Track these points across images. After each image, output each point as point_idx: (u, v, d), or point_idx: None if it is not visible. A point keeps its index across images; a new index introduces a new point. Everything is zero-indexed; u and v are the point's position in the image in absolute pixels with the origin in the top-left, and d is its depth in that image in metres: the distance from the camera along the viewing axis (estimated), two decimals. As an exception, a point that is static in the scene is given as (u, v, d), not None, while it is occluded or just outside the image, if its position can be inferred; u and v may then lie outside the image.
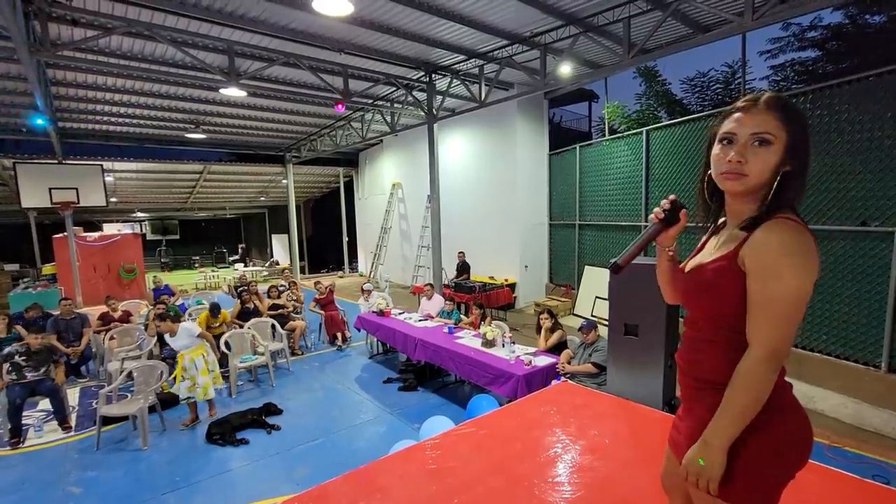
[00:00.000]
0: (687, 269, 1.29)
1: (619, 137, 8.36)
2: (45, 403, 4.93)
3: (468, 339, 5.29)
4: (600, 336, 4.46)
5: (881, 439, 4.15)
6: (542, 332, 5.06)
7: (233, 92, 7.93)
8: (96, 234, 12.81)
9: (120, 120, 10.24)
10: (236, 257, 25.72)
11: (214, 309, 6.47)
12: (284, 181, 15.36)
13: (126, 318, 6.97)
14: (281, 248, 21.74)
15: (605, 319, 4.07)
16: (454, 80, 8.30)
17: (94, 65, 6.87)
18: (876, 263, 4.79)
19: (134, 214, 21.61)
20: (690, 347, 1.27)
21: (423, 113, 8.78)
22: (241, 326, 6.37)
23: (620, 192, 8.19)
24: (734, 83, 8.67)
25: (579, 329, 4.56)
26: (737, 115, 1.13)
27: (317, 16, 5.61)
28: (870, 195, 4.84)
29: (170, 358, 5.65)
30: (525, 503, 2.18)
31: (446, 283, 9.56)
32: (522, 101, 9.03)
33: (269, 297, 7.45)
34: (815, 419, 1.18)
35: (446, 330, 5.73)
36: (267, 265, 20.00)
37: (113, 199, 15.32)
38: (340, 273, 17.30)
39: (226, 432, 4.37)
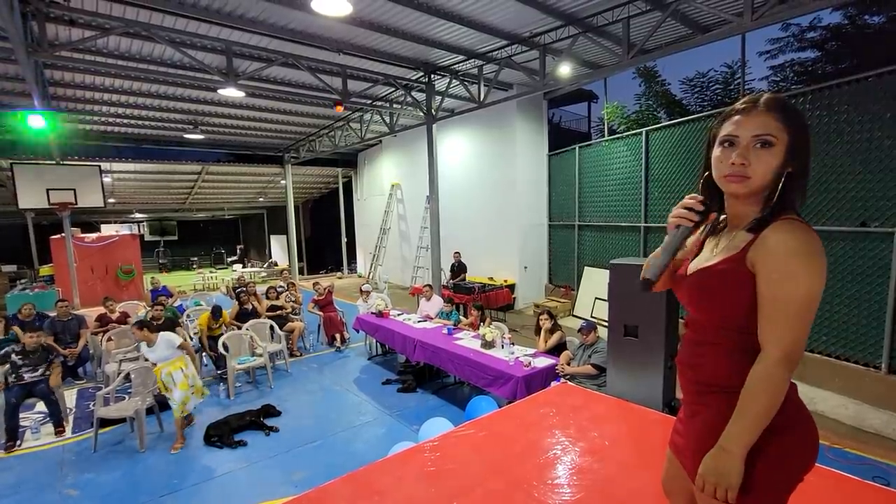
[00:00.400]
0: (689, 272, 1.26)
1: (618, 138, 8.35)
2: (41, 405, 4.91)
3: (467, 341, 5.27)
4: (600, 337, 4.44)
5: (882, 440, 4.14)
6: (542, 333, 5.04)
7: (231, 92, 7.92)
8: (94, 235, 12.78)
9: (118, 120, 10.23)
10: (235, 258, 25.70)
11: (216, 311, 6.45)
12: (283, 182, 15.34)
13: (124, 319, 6.94)
14: (279, 249, 21.72)
15: (605, 320, 4.05)
16: (453, 81, 8.29)
17: (92, 65, 6.86)
18: (876, 264, 4.79)
19: (132, 215, 21.56)
20: (692, 350, 1.25)
21: (422, 113, 8.78)
22: (240, 328, 6.35)
23: (620, 192, 8.18)
24: (734, 84, 8.67)
25: (579, 330, 4.55)
26: (737, 116, 1.12)
27: (315, 16, 5.60)
28: (869, 196, 4.84)
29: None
30: (525, 506, 2.16)
31: (445, 283, 9.55)
32: (522, 101, 9.03)
33: (268, 298, 7.42)
34: (816, 420, 1.16)
35: (445, 331, 5.71)
36: (265, 266, 19.97)
37: (111, 200, 15.28)
38: (339, 274, 17.28)
39: (224, 434, 4.34)
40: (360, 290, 7.99)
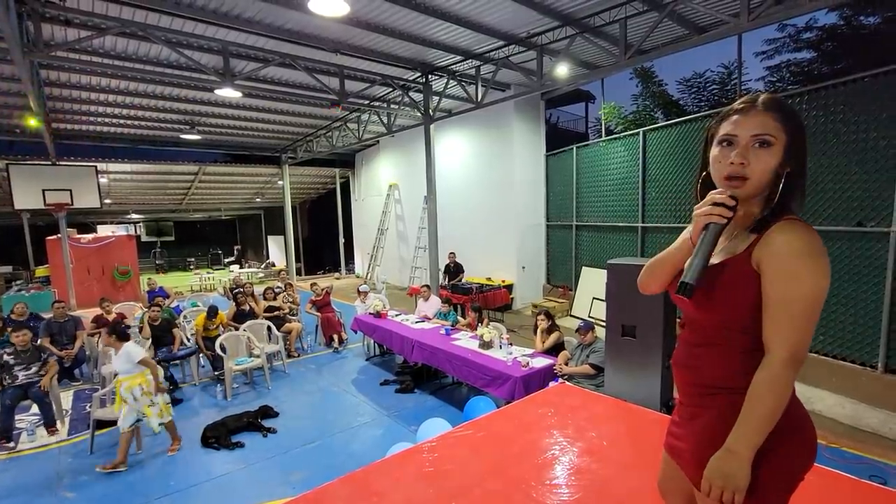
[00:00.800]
0: None
1: (615, 138, 8.36)
2: (37, 407, 4.88)
3: (465, 341, 5.27)
4: (598, 337, 4.45)
5: (878, 439, 4.15)
6: (540, 333, 5.05)
7: (228, 93, 7.90)
8: (90, 236, 12.73)
9: (114, 121, 10.17)
10: (232, 259, 25.62)
11: (212, 311, 6.43)
12: (280, 182, 15.31)
13: (120, 320, 6.91)
14: (277, 250, 21.67)
15: (603, 320, 4.06)
16: (451, 81, 8.29)
17: (88, 65, 6.83)
18: (872, 264, 4.81)
19: (128, 216, 21.50)
20: (690, 351, 1.24)
21: (419, 114, 8.77)
22: (237, 328, 6.33)
23: (617, 193, 8.19)
24: (730, 84, 8.70)
25: (577, 330, 4.55)
26: (735, 116, 1.12)
27: (312, 16, 5.59)
28: (865, 196, 4.86)
29: (164, 361, 5.61)
30: (523, 506, 2.16)
31: (443, 284, 9.55)
32: (519, 101, 9.03)
33: (265, 298, 7.41)
34: (813, 420, 1.16)
35: (443, 331, 5.71)
36: (263, 267, 19.92)
37: (107, 201, 15.23)
38: (337, 274, 17.25)
39: (221, 435, 4.33)
40: (358, 291, 7.98)
